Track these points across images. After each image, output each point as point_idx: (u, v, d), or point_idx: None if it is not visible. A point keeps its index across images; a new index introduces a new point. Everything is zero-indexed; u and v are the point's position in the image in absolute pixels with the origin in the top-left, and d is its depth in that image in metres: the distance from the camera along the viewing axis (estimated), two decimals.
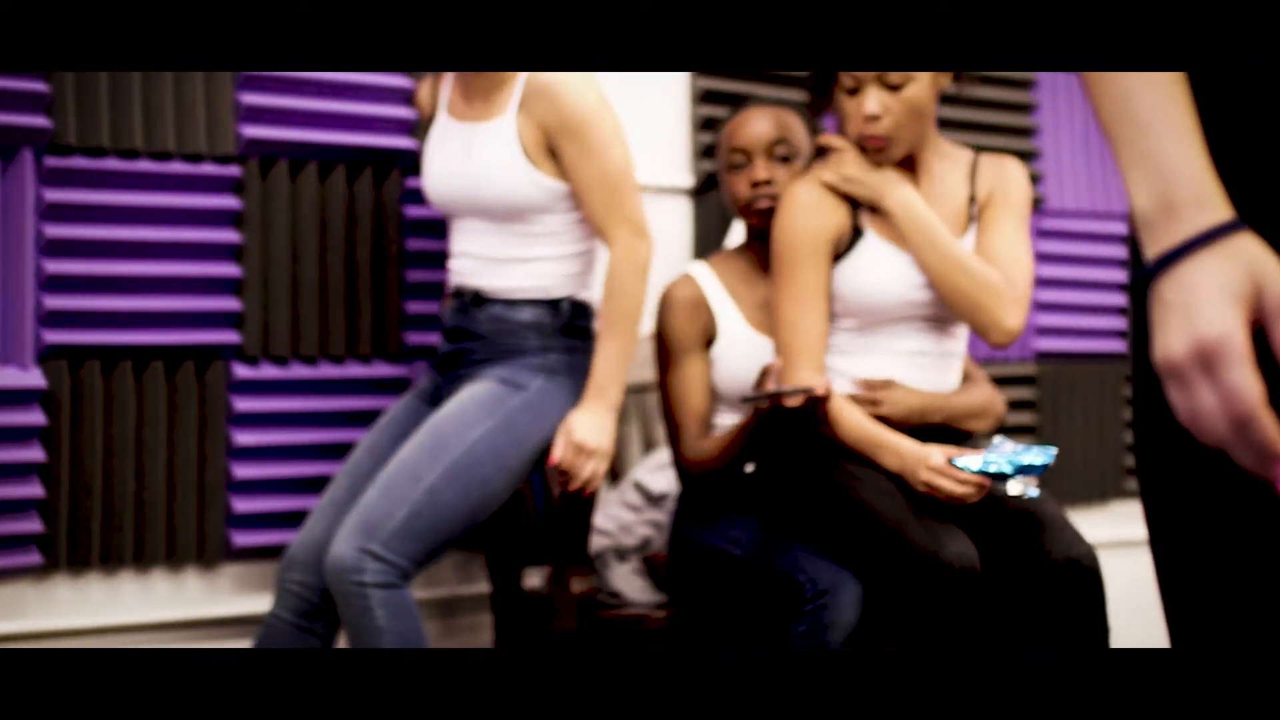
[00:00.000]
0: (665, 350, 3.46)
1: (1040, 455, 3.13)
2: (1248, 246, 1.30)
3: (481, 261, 3.33)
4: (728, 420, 3.48)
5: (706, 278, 3.50)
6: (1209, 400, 1.28)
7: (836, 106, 3.32)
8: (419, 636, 3.07)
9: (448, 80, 3.42)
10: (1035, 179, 4.74)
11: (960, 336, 3.39)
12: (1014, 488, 3.15)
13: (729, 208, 3.54)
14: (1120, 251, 4.93)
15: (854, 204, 3.31)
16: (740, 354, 3.45)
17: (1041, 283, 4.75)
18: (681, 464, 3.47)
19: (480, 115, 3.33)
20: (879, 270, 3.30)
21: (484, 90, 3.33)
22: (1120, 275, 4.93)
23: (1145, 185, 1.34)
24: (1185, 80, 1.38)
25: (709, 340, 3.48)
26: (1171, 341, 1.30)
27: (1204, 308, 1.28)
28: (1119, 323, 4.94)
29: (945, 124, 4.55)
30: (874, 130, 3.22)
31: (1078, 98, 4.85)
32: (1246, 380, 1.26)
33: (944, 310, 3.32)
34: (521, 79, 3.28)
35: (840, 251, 3.31)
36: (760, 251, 3.52)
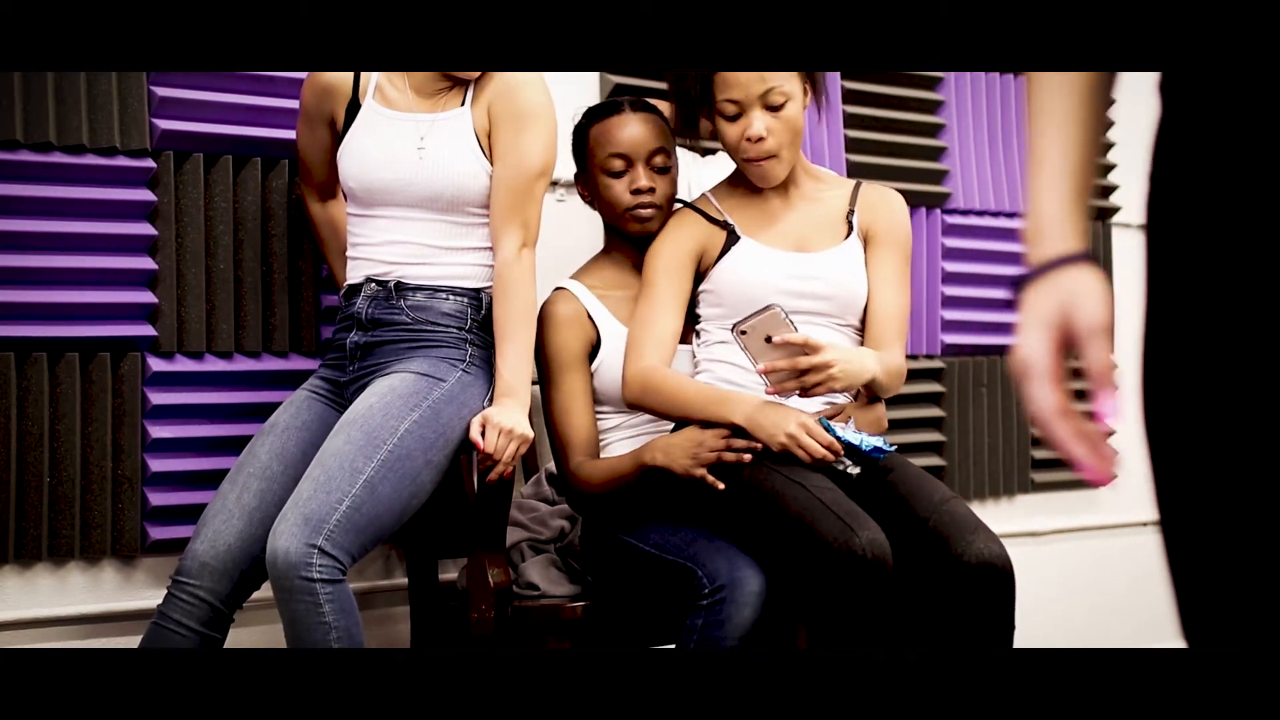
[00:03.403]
0: (547, 366, 3.48)
1: (885, 443, 3.32)
2: (1071, 279, 1.52)
3: (410, 250, 3.34)
4: (613, 422, 3.51)
5: (580, 290, 3.54)
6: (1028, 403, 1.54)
7: (712, 131, 3.48)
8: (360, 632, 3.09)
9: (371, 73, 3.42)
10: (941, 176, 4.80)
11: (848, 335, 3.45)
12: (854, 468, 3.28)
13: (601, 211, 3.56)
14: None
15: (728, 224, 3.47)
16: (622, 353, 3.48)
17: (948, 278, 4.80)
18: (569, 482, 3.49)
19: (434, 106, 3.35)
20: (750, 267, 3.43)
21: (436, 82, 3.35)
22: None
23: (1027, 214, 1.59)
24: (1087, 118, 1.59)
25: (592, 352, 3.51)
26: (1009, 353, 1.57)
27: (1023, 330, 1.53)
28: None
29: (853, 121, 4.60)
30: (761, 150, 3.38)
31: (984, 96, 4.91)
32: (1042, 394, 1.52)
33: (827, 309, 3.43)
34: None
35: (714, 259, 3.46)
36: (631, 254, 3.56)
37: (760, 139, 3.36)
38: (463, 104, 3.35)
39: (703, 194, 3.57)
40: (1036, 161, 1.59)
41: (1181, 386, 1.49)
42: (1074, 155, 1.58)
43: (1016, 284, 1.56)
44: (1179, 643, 1.54)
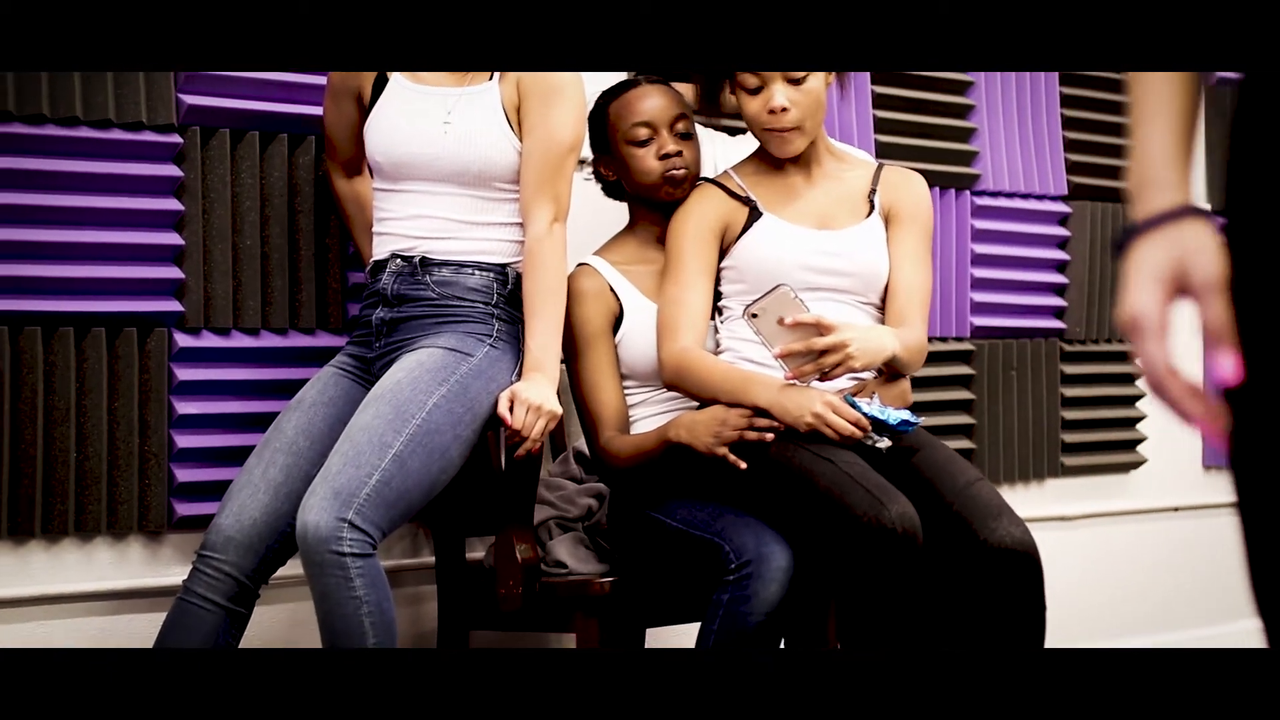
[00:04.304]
0: (572, 341, 3.48)
1: (911, 416, 3.29)
2: (1185, 232, 1.49)
3: (436, 225, 3.33)
4: (640, 398, 3.50)
5: (602, 265, 3.54)
6: (1140, 360, 1.51)
7: (734, 106, 3.48)
8: (391, 606, 3.07)
9: None
10: (971, 158, 4.77)
11: (869, 313, 3.43)
12: (883, 441, 3.26)
13: (630, 184, 3.55)
14: (1056, 230, 4.97)
15: (750, 200, 3.45)
16: (646, 326, 3.48)
17: (978, 260, 4.78)
18: (600, 457, 3.49)
19: (461, 80, 3.34)
20: (773, 243, 3.42)
21: None
22: (1056, 254, 4.97)
23: (1130, 167, 1.56)
24: (1191, 81, 1.57)
25: (616, 324, 3.50)
26: (1117, 309, 1.51)
27: (1133, 285, 1.50)
28: (1055, 300, 4.98)
29: (882, 102, 4.58)
30: (783, 122, 3.37)
31: (1014, 78, 4.88)
32: (1153, 350, 1.49)
33: (848, 285, 3.42)
34: None
35: (737, 235, 3.44)
36: (655, 229, 3.55)
37: (783, 110, 3.36)
38: (490, 79, 3.34)
39: (724, 171, 3.56)
40: (1142, 113, 1.56)
41: (1260, 375, 1.47)
42: (1179, 106, 1.56)
43: (1123, 238, 1.53)
44: (1209, 628, 1.54)
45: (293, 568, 3.23)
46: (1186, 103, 1.56)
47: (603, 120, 3.55)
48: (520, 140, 3.33)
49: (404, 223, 3.36)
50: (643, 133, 3.49)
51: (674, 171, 3.48)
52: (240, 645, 3.23)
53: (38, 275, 3.29)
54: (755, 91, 3.38)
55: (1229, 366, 1.46)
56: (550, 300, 3.30)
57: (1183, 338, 1.57)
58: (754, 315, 3.22)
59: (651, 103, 3.51)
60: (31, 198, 3.29)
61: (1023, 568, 3.16)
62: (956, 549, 3.18)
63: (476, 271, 3.33)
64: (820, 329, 3.19)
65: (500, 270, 3.35)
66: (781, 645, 3.42)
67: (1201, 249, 1.49)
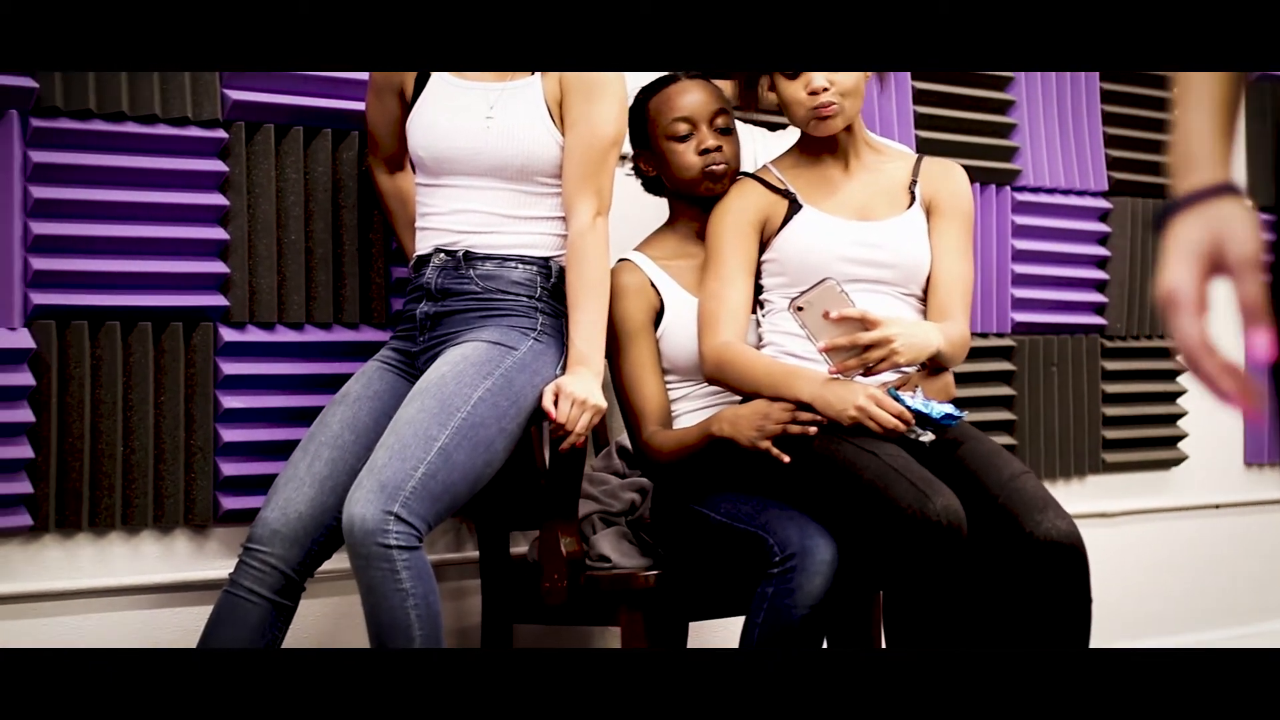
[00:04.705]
0: (614, 337, 3.48)
1: (955, 410, 3.29)
2: (1221, 210, 1.50)
3: (479, 219, 3.34)
4: (681, 392, 3.50)
5: (642, 260, 3.54)
6: (1176, 336, 1.53)
7: (773, 102, 3.49)
8: (437, 600, 3.08)
9: None
10: (1012, 153, 4.77)
11: (911, 305, 3.43)
12: (926, 435, 3.25)
13: (670, 181, 3.55)
14: (1096, 226, 4.96)
15: (789, 193, 3.46)
16: (688, 320, 3.49)
17: (1018, 256, 4.77)
18: (643, 452, 3.49)
19: (503, 75, 3.35)
20: (814, 235, 3.43)
21: None
22: (1097, 250, 4.96)
23: (1171, 146, 1.58)
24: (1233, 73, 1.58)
25: (657, 319, 3.50)
26: (1154, 285, 1.56)
27: (1169, 261, 1.51)
28: (1096, 296, 4.97)
29: (922, 97, 4.58)
30: (823, 100, 3.37)
31: (1054, 73, 4.87)
32: (1188, 326, 1.50)
33: (890, 277, 3.42)
34: None
35: (777, 228, 3.45)
36: (695, 224, 3.56)
37: (823, 89, 3.36)
38: (533, 74, 3.35)
39: (763, 165, 3.57)
40: (1185, 97, 1.58)
41: None
42: (1221, 92, 1.57)
43: (1162, 214, 1.54)
44: (1251, 626, 1.56)
45: (337, 562, 3.24)
46: (1228, 90, 1.57)
47: (643, 116, 3.55)
48: (562, 135, 3.33)
49: (447, 217, 3.37)
50: (682, 128, 3.50)
51: (713, 167, 3.48)
52: (285, 639, 3.24)
53: (84, 270, 3.31)
54: (794, 76, 3.38)
55: (1265, 344, 1.47)
56: (594, 294, 3.30)
57: (1221, 315, 1.57)
58: (799, 308, 3.22)
59: (691, 98, 3.52)
60: (78, 193, 3.31)
61: (1069, 561, 3.16)
62: (1002, 542, 3.18)
63: (520, 265, 3.34)
64: (865, 323, 3.19)
65: (544, 264, 3.35)
66: (824, 644, 3.42)
67: (1238, 226, 1.50)
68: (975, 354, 4.51)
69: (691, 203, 3.56)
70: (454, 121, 3.34)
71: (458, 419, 3.14)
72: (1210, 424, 5.17)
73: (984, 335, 4.69)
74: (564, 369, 3.31)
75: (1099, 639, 3.33)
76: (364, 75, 3.57)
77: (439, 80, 3.39)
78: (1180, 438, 5.17)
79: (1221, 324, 1.59)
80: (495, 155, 3.31)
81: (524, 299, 3.33)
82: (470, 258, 3.33)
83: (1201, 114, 1.56)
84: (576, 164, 3.32)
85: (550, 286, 3.35)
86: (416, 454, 3.08)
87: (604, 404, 3.25)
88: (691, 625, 3.69)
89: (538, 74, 3.35)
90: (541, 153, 3.32)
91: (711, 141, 3.49)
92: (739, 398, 3.41)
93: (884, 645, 3.21)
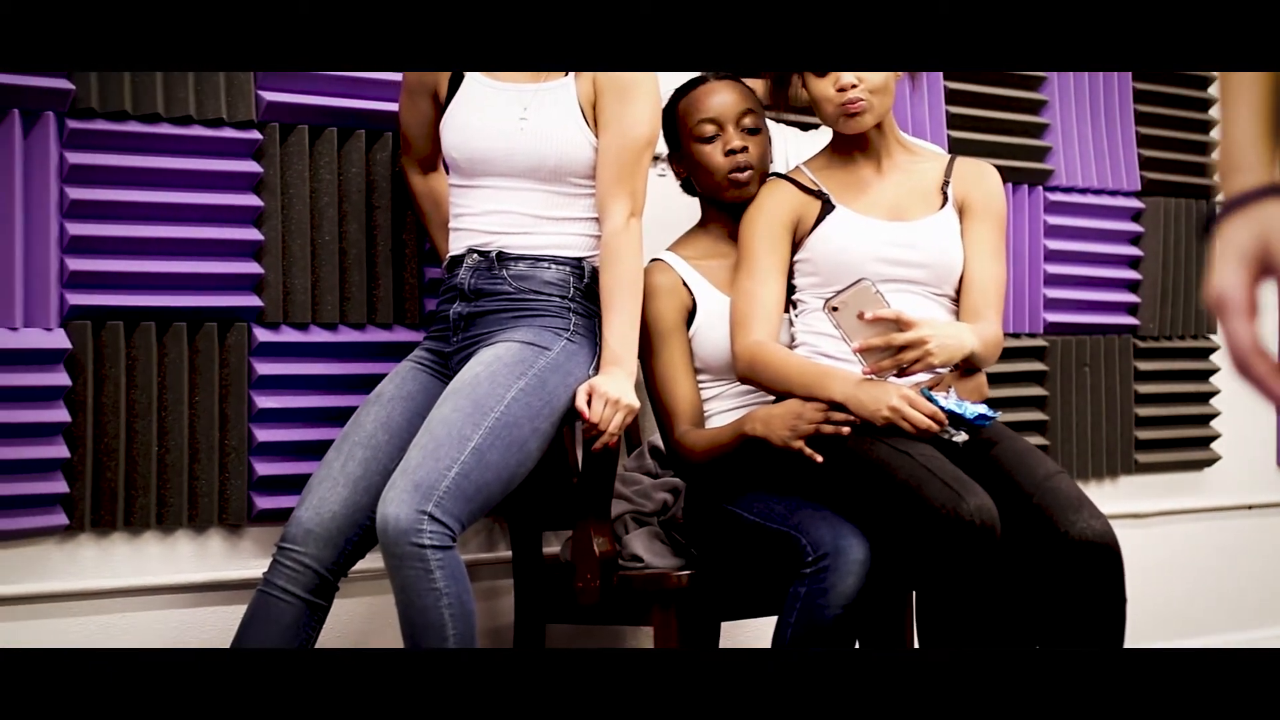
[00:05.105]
0: (647, 337, 3.48)
1: (988, 410, 3.28)
2: (1269, 211, 1.49)
3: (512, 220, 3.34)
4: (714, 392, 3.50)
5: (674, 260, 3.55)
6: (1225, 338, 1.51)
7: (805, 100, 3.49)
8: (471, 599, 3.08)
9: None
10: (1044, 153, 4.76)
11: (943, 305, 3.43)
12: (959, 435, 3.25)
13: (698, 183, 3.55)
14: (1129, 226, 4.95)
15: (822, 193, 3.46)
16: (720, 320, 3.49)
17: (1051, 256, 4.76)
18: (676, 452, 3.49)
19: (537, 76, 3.35)
20: (847, 235, 3.42)
21: None
22: (1130, 250, 4.95)
23: (1219, 151, 1.58)
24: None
25: (690, 319, 3.50)
26: (1204, 288, 1.56)
27: (1219, 264, 1.49)
28: (1128, 296, 4.96)
29: (955, 97, 4.57)
30: (851, 97, 3.37)
31: (1087, 73, 4.86)
32: (1239, 328, 1.49)
33: (923, 277, 3.41)
34: None
35: (810, 228, 3.45)
36: (727, 225, 3.56)
37: (851, 85, 3.36)
38: (566, 75, 3.35)
39: (795, 166, 3.57)
40: (1230, 99, 1.58)
41: None
42: (1266, 93, 1.57)
43: (1211, 217, 1.54)
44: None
45: (370, 561, 3.25)
46: (1275, 90, 1.57)
47: (674, 118, 3.56)
48: (596, 136, 3.34)
49: (480, 218, 3.37)
50: (709, 129, 3.50)
51: (737, 174, 3.48)
52: (319, 638, 3.24)
53: (120, 270, 3.32)
54: (823, 74, 3.39)
55: None
56: (627, 294, 3.30)
57: (1271, 319, 1.57)
58: (834, 309, 3.22)
59: (718, 99, 3.52)
60: (113, 193, 3.32)
61: (1104, 560, 3.15)
62: (1037, 542, 3.17)
63: (553, 265, 3.34)
64: (900, 324, 3.19)
65: (577, 264, 3.36)
66: (857, 644, 3.41)
67: None
68: (1008, 354, 4.50)
69: (721, 207, 3.56)
70: (488, 122, 3.35)
71: (491, 419, 3.14)
72: (1243, 424, 5.15)
73: (1016, 335, 4.68)
74: (597, 369, 3.31)
75: (1132, 639, 3.32)
76: (397, 76, 3.58)
77: (473, 81, 3.40)
78: (1213, 438, 5.16)
79: (1271, 326, 1.59)
80: (529, 156, 3.32)
81: (557, 299, 3.33)
82: (504, 258, 3.34)
83: (1245, 117, 1.56)
84: (610, 165, 3.32)
85: (583, 287, 3.36)
86: (450, 454, 3.09)
87: (637, 404, 3.26)
88: (724, 625, 3.69)
89: (571, 75, 3.35)
90: (575, 154, 3.33)
91: (737, 142, 3.49)
92: (771, 397, 3.41)
93: (917, 645, 3.20)
